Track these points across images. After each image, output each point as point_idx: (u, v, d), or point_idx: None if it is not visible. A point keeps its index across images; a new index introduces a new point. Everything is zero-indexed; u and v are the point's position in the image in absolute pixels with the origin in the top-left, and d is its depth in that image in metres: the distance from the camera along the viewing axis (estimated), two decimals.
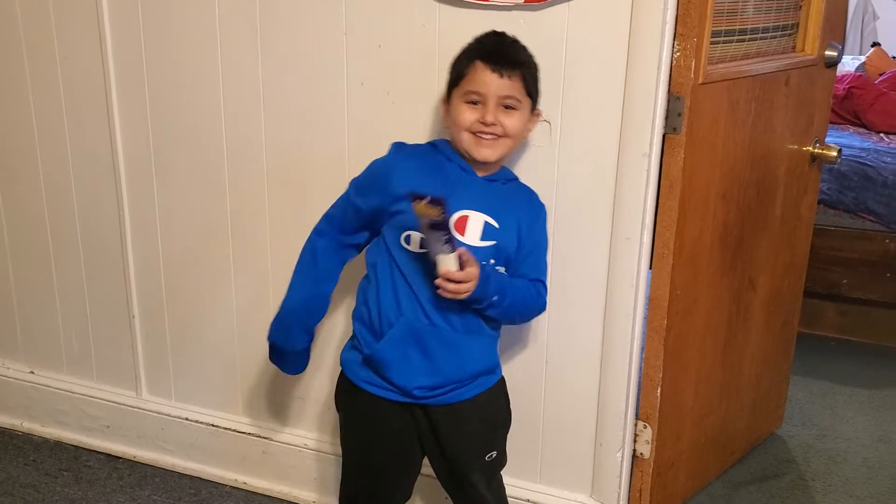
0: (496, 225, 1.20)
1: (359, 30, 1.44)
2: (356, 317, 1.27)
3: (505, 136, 1.18)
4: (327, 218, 1.30)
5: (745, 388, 1.84)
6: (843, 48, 1.80)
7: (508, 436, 1.36)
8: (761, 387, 1.90)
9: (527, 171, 1.30)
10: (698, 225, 1.50)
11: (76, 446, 1.93)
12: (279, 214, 1.62)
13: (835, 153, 1.81)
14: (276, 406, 1.75)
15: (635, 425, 1.52)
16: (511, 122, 1.17)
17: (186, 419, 1.82)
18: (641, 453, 1.53)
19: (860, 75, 3.19)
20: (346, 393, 1.29)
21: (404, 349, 1.20)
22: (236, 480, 1.80)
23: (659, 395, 1.50)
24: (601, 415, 1.48)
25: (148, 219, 1.74)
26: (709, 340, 1.65)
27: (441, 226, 1.07)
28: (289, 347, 1.33)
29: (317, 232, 1.30)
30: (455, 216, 1.17)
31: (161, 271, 1.76)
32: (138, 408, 1.87)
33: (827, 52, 1.74)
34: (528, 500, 1.56)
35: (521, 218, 1.23)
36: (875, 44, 4.01)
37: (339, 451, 1.39)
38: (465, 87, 1.17)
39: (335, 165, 1.50)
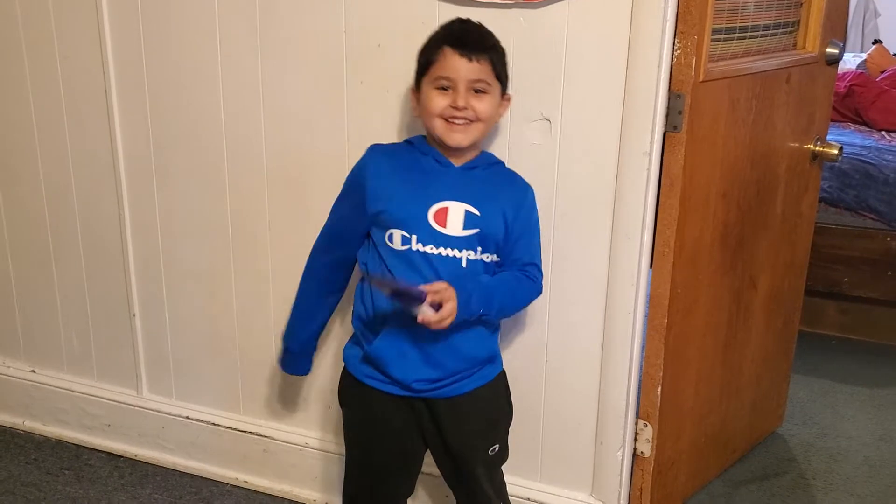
0: (477, 213, 1.20)
1: (358, 29, 1.44)
2: (355, 315, 1.28)
3: (477, 120, 1.18)
4: (322, 235, 1.33)
5: (745, 387, 1.84)
6: (844, 45, 1.80)
7: (509, 434, 1.36)
8: (762, 385, 1.90)
9: (527, 170, 1.30)
10: (699, 223, 1.50)
11: (77, 445, 1.93)
12: (279, 213, 1.62)
13: (836, 151, 1.80)
14: (277, 405, 1.75)
15: (636, 424, 1.52)
16: (482, 105, 1.18)
17: (187, 418, 1.82)
18: (642, 452, 1.53)
19: (861, 73, 3.18)
20: (349, 388, 1.31)
21: (400, 345, 1.21)
22: (237, 479, 1.80)
23: (659, 393, 1.50)
24: (601, 413, 1.48)
25: (148, 218, 1.74)
26: (709, 339, 1.65)
27: (399, 293, 1.12)
28: (288, 347, 1.40)
29: (314, 249, 1.34)
30: (434, 208, 1.19)
31: (161, 270, 1.76)
32: (139, 406, 1.87)
33: (828, 50, 1.73)
34: (529, 499, 1.56)
35: (505, 202, 1.22)
36: (876, 41, 4.01)
37: (341, 449, 1.40)
38: (434, 73, 1.18)
39: (335, 164, 1.50)
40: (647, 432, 1.51)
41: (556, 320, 1.46)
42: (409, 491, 1.37)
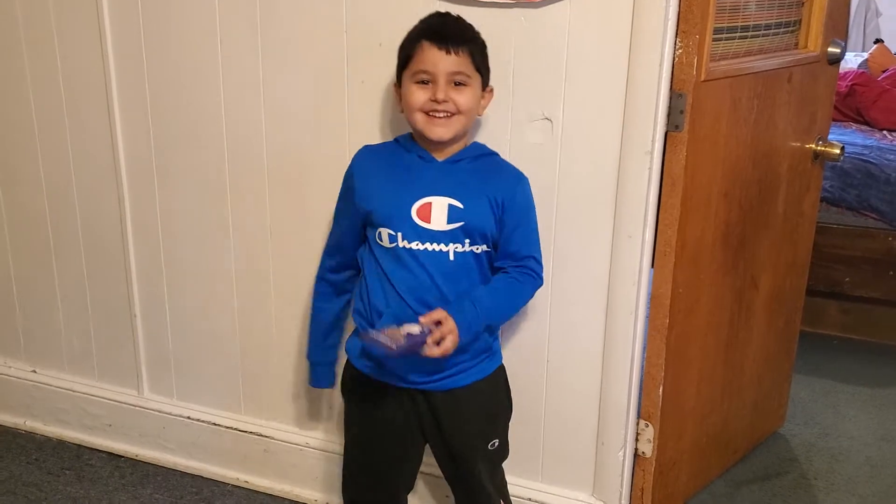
0: (460, 206, 1.20)
1: (359, 28, 1.44)
2: (355, 310, 1.30)
3: (457, 112, 1.19)
4: (329, 238, 1.35)
5: (747, 387, 1.83)
6: (845, 45, 1.80)
7: (510, 434, 1.36)
8: (763, 385, 1.90)
9: (528, 170, 1.30)
10: (700, 223, 1.49)
11: (78, 445, 1.93)
12: (280, 213, 1.62)
13: (838, 150, 1.80)
14: (278, 405, 1.75)
15: (637, 424, 1.51)
16: (462, 98, 1.18)
17: (188, 418, 1.82)
18: (643, 452, 1.53)
19: (863, 72, 3.17)
20: (351, 379, 1.32)
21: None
22: (238, 479, 1.80)
23: (661, 393, 1.50)
24: (603, 413, 1.48)
25: (149, 218, 1.74)
26: (711, 339, 1.65)
27: (402, 349, 1.12)
28: (312, 360, 1.43)
29: (323, 254, 1.37)
30: (417, 204, 1.20)
31: (162, 270, 1.76)
32: (140, 406, 1.87)
33: (830, 49, 1.73)
34: (530, 499, 1.56)
35: (493, 193, 1.22)
36: (878, 40, 4.00)
37: (341, 449, 1.39)
38: (413, 67, 1.19)
39: (336, 164, 1.49)
40: (649, 432, 1.51)
41: (558, 320, 1.46)
42: (409, 486, 1.38)
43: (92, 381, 1.92)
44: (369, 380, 1.27)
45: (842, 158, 1.86)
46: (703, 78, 1.34)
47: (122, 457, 1.89)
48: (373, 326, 1.23)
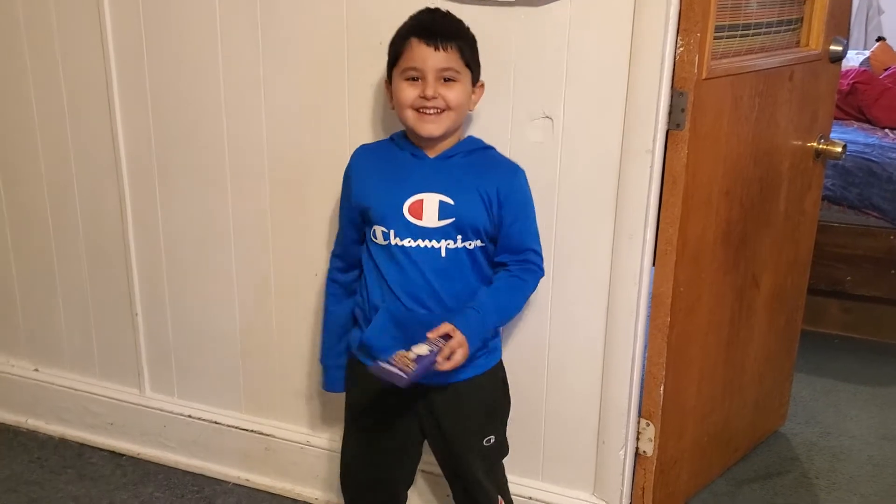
0: (451, 202, 1.20)
1: (359, 26, 1.44)
2: (356, 304, 1.32)
3: (447, 109, 1.19)
4: (336, 238, 1.35)
5: (748, 386, 1.83)
6: (847, 43, 1.79)
7: (511, 433, 1.36)
8: (764, 384, 1.89)
9: (529, 169, 1.29)
10: (701, 222, 1.49)
11: (80, 443, 1.93)
12: (280, 211, 1.62)
13: (839, 149, 1.80)
14: (279, 403, 1.75)
15: (638, 423, 1.51)
16: (452, 94, 1.18)
17: (189, 416, 1.82)
18: (644, 451, 1.53)
19: (864, 70, 3.16)
20: (351, 367, 1.33)
21: (389, 333, 1.23)
22: (239, 477, 1.80)
23: (662, 392, 1.49)
24: (604, 412, 1.48)
25: (150, 216, 1.74)
26: (712, 338, 1.65)
27: (407, 377, 1.10)
28: (324, 364, 1.41)
29: (331, 255, 1.37)
30: (409, 202, 1.20)
31: (163, 269, 1.76)
32: (141, 405, 1.87)
33: (832, 47, 1.73)
34: (531, 498, 1.56)
35: (486, 187, 1.21)
36: (880, 38, 3.99)
37: (342, 447, 1.40)
38: (403, 64, 1.19)
39: (336, 162, 1.49)
40: (650, 431, 1.51)
41: (558, 319, 1.46)
42: (409, 480, 1.38)
43: (93, 380, 1.93)
44: (370, 372, 1.27)
45: (843, 157, 1.86)
46: (704, 76, 1.34)
47: (124, 455, 1.89)
48: (369, 321, 1.24)
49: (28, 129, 1.80)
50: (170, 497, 1.75)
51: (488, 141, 1.31)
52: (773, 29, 1.59)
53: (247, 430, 1.78)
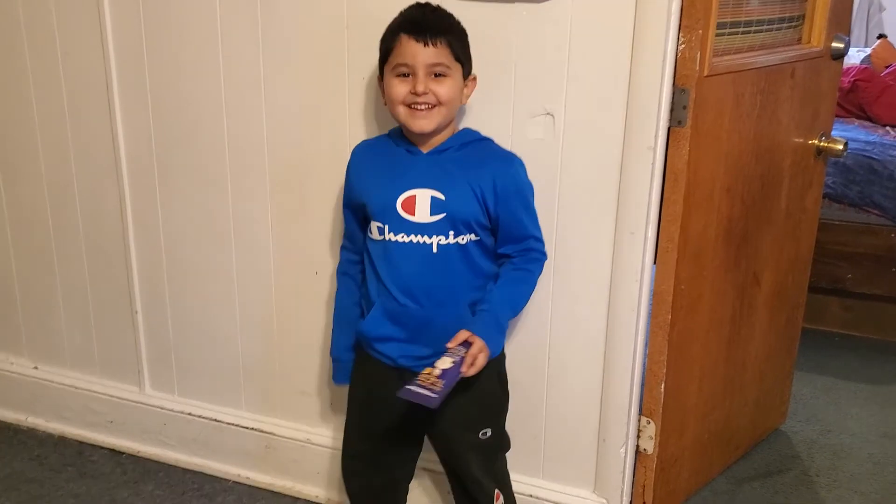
0: (442, 197, 1.21)
1: (360, 24, 1.43)
2: (361, 297, 1.33)
3: (438, 104, 1.19)
4: (343, 246, 1.37)
5: (748, 384, 1.83)
6: (849, 40, 1.79)
7: (511, 430, 1.36)
8: (765, 382, 1.89)
9: (530, 166, 1.29)
10: (703, 219, 1.49)
11: (80, 441, 1.93)
12: (281, 209, 1.61)
13: (840, 146, 1.79)
14: (279, 401, 1.75)
15: (639, 421, 1.51)
16: (443, 89, 1.18)
17: (189, 414, 1.82)
18: (645, 449, 1.53)
19: (866, 67, 3.16)
20: (356, 352, 1.35)
21: (384, 326, 1.25)
22: (239, 475, 1.80)
23: (663, 390, 1.49)
24: (604, 410, 1.47)
25: (150, 215, 1.73)
26: (713, 336, 1.65)
27: (437, 396, 1.10)
28: (334, 357, 1.40)
29: (341, 248, 1.37)
30: (402, 197, 1.21)
31: (163, 267, 1.76)
32: (141, 403, 1.87)
33: (833, 45, 1.72)
34: (531, 496, 1.56)
35: (480, 179, 1.21)
36: (881, 35, 3.98)
37: (343, 440, 1.40)
38: (393, 61, 1.19)
39: (337, 161, 1.49)
40: (650, 429, 1.51)
41: (559, 317, 1.45)
42: (409, 473, 1.39)
43: (93, 378, 1.93)
44: (369, 357, 1.30)
45: (844, 154, 1.85)
46: (705, 73, 1.34)
47: (124, 453, 1.89)
48: (368, 311, 1.25)
49: (28, 128, 1.80)
50: (170, 495, 1.75)
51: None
52: (775, 26, 1.59)
53: (247, 427, 1.78)
